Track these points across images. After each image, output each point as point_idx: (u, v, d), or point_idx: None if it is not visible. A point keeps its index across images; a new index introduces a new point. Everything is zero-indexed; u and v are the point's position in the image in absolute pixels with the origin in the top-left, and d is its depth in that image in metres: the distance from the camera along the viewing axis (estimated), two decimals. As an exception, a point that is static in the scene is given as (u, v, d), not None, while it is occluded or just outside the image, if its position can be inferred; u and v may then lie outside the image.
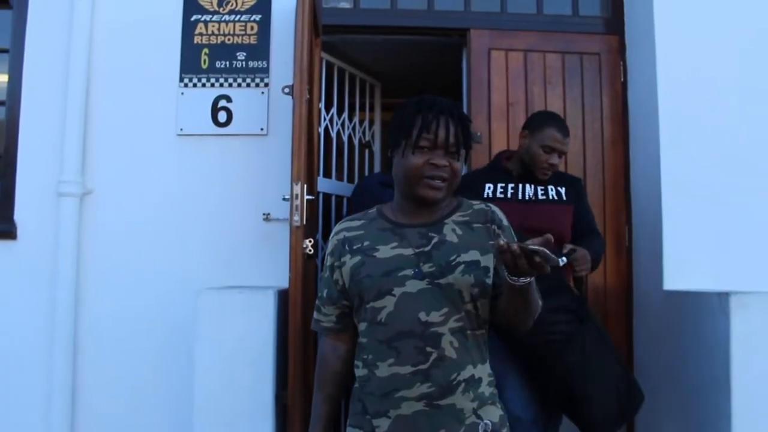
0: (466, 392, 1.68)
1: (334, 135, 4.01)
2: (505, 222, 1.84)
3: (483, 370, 1.74)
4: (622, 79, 3.66)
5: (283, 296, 2.72)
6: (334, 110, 4.01)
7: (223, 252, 3.19)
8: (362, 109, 4.40)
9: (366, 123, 4.43)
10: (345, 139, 4.14)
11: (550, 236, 1.50)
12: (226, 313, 2.67)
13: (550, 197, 2.81)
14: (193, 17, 3.31)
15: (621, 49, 3.68)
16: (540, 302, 1.72)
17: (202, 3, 3.31)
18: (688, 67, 3.34)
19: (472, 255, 1.71)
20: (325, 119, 3.93)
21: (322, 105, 3.82)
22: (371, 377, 1.71)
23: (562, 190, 2.85)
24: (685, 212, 3.22)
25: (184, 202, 3.22)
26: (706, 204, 3.24)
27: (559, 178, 2.90)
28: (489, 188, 2.82)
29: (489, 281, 1.73)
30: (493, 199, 2.73)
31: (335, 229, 1.87)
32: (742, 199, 3.27)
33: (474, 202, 1.86)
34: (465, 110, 3.59)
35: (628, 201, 3.58)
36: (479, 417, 1.70)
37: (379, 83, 4.59)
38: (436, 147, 1.69)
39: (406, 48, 4.16)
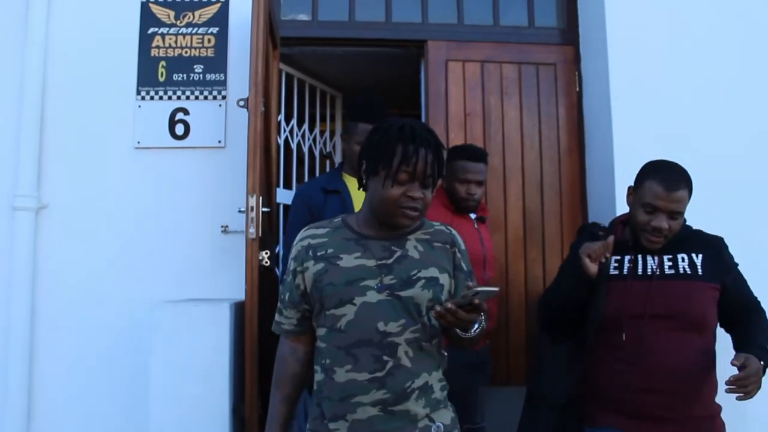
0: (419, 398, 1.75)
1: (294, 146, 4.04)
2: (463, 246, 1.93)
3: (435, 377, 1.81)
4: (577, 89, 3.72)
5: (239, 308, 2.73)
6: (294, 122, 4.03)
7: (182, 265, 3.18)
8: (323, 119, 4.43)
9: (327, 134, 4.46)
10: (305, 150, 4.17)
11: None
12: (182, 327, 2.68)
13: (680, 270, 2.22)
14: (150, 30, 3.30)
15: (576, 59, 3.75)
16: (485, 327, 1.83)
17: (159, 16, 3.31)
18: (640, 75, 3.41)
19: (432, 272, 1.79)
20: (285, 131, 3.96)
21: (281, 117, 3.84)
22: (328, 382, 1.76)
23: (698, 260, 2.24)
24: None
25: (141, 215, 3.20)
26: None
27: (693, 241, 2.29)
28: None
29: (443, 297, 1.80)
30: (609, 278, 2.24)
31: (299, 235, 1.91)
32: (695, 204, 3.34)
33: (435, 223, 1.95)
34: (423, 120, 3.63)
35: (584, 207, 3.65)
36: (432, 420, 1.78)
37: (339, 94, 4.63)
38: (414, 179, 1.75)
39: (366, 59, 4.19)
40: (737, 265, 2.32)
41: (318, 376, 1.82)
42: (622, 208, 3.26)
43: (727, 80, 3.47)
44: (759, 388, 1.94)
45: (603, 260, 2.14)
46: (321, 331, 1.82)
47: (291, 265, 1.88)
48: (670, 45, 3.46)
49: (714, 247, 2.27)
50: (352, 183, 2.70)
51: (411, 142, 1.75)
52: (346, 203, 2.72)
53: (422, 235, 1.88)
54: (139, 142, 3.23)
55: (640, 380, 2.10)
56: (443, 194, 2.99)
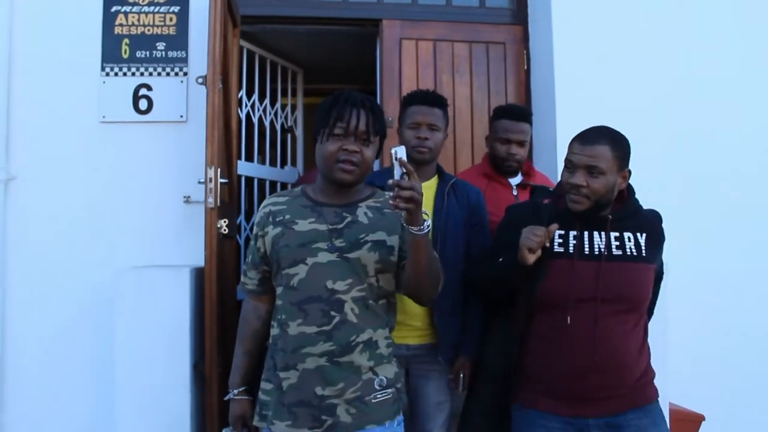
0: (363, 352, 1.94)
1: (255, 120, 4.18)
2: None
3: (381, 335, 2.00)
4: (525, 67, 3.92)
5: (200, 273, 2.90)
6: (255, 97, 4.17)
7: (147, 233, 3.32)
8: (285, 94, 4.57)
9: (288, 108, 4.60)
10: (267, 124, 4.32)
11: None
12: (145, 291, 2.85)
13: (628, 251, 2.14)
14: (114, 8, 3.42)
15: (525, 38, 3.94)
16: (441, 274, 1.99)
17: (122, -6, 3.43)
18: (583, 54, 3.63)
19: (380, 235, 1.98)
20: (246, 105, 4.10)
21: (243, 92, 3.98)
22: (283, 335, 1.96)
23: (642, 239, 2.17)
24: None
25: (107, 187, 3.33)
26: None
27: (636, 219, 2.22)
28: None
29: (393, 258, 1.98)
30: (551, 255, 2.13)
31: (264, 203, 2.12)
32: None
33: (387, 192, 2.09)
34: (378, 96, 3.80)
35: (531, 181, 3.85)
36: (375, 373, 1.97)
37: (301, 70, 4.77)
38: (348, 134, 1.94)
39: (325, 36, 4.33)
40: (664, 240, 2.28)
41: (274, 331, 2.00)
42: (564, 179, 3.50)
43: (672, 58, 3.70)
44: None
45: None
46: (279, 290, 2.01)
47: (254, 229, 2.08)
48: (612, 24, 3.68)
49: (653, 225, 2.21)
50: None
51: (345, 103, 1.95)
52: None
53: (373, 203, 2.06)
54: (104, 117, 3.36)
55: (583, 363, 2.05)
56: (485, 160, 3.03)
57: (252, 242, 2.09)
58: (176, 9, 3.43)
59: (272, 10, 3.80)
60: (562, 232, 2.13)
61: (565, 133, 3.51)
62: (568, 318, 2.05)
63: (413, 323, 2.53)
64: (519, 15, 3.97)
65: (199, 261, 2.96)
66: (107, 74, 3.38)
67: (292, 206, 2.04)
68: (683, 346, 2.99)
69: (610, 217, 2.13)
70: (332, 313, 1.91)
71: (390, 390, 1.99)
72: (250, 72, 4.12)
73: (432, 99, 2.66)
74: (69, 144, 3.35)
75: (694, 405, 3.14)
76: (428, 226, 1.81)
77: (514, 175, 2.98)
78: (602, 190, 2.05)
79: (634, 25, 3.69)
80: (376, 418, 1.95)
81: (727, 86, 3.78)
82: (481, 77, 3.87)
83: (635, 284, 2.10)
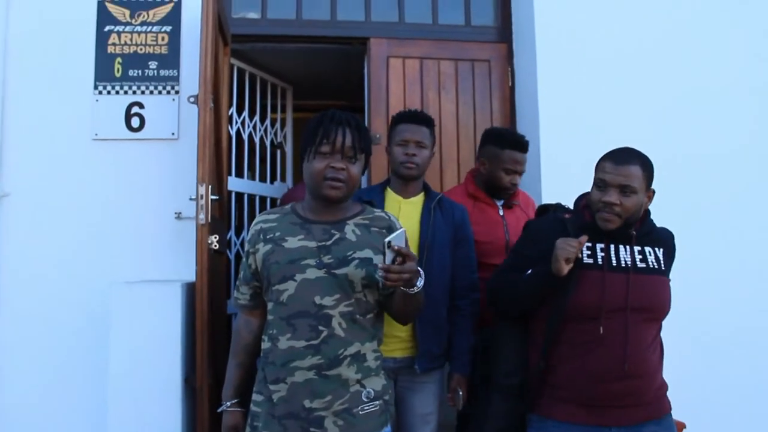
0: (351, 365, 2.00)
1: (246, 137, 4.26)
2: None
3: (369, 348, 2.06)
4: (510, 83, 4.01)
5: (191, 288, 2.97)
6: (245, 113, 4.25)
7: (139, 249, 3.37)
8: (274, 111, 4.66)
9: (278, 124, 4.68)
10: (257, 140, 4.39)
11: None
12: (138, 305, 2.91)
13: (650, 264, 2.23)
14: (107, 28, 3.49)
15: (509, 55, 4.04)
16: (423, 304, 2.10)
17: (114, 14, 3.49)
18: (565, 71, 3.73)
19: (366, 253, 2.04)
20: (236, 122, 4.17)
21: (233, 109, 4.06)
22: (273, 349, 2.02)
23: (660, 254, 2.27)
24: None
25: (100, 203, 3.39)
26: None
27: (654, 235, 2.31)
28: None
29: (378, 276, 2.03)
30: (579, 266, 2.16)
31: (255, 220, 2.18)
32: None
33: (376, 210, 2.21)
34: (366, 113, 3.89)
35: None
36: (363, 386, 2.02)
37: (290, 86, 4.86)
38: (335, 152, 2.01)
39: (314, 54, 4.43)
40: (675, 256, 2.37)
41: (265, 345, 2.06)
42: (547, 193, 3.58)
43: (650, 76, 3.79)
44: None
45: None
46: (269, 305, 2.07)
47: (246, 246, 2.15)
48: (595, 42, 3.78)
49: (667, 242, 2.31)
50: (390, 197, 2.75)
51: (331, 121, 2.02)
52: None
53: (361, 221, 2.13)
54: (96, 134, 3.42)
55: (614, 370, 2.09)
56: (471, 181, 3.06)
57: (244, 259, 2.15)
58: (168, 29, 3.51)
59: (262, 29, 3.89)
60: (589, 244, 2.18)
61: (548, 148, 3.63)
62: (601, 328, 2.10)
63: (398, 335, 2.59)
64: (504, 33, 4.07)
65: (191, 276, 3.02)
66: (100, 92, 3.45)
67: (282, 223, 2.11)
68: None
69: (635, 233, 2.20)
70: (320, 327, 1.97)
71: (377, 402, 2.05)
72: (241, 89, 4.20)
73: (420, 118, 2.75)
74: (62, 161, 3.41)
75: (675, 413, 3.20)
76: (420, 285, 1.94)
77: (505, 197, 3.04)
78: (633, 209, 2.12)
79: (616, 42, 3.79)
80: (364, 430, 2.01)
81: (712, 101, 3.86)
82: (467, 94, 3.96)
83: (660, 295, 2.18)
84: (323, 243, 2.04)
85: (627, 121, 3.71)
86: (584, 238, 2.09)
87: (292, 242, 2.05)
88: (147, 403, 2.86)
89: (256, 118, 4.38)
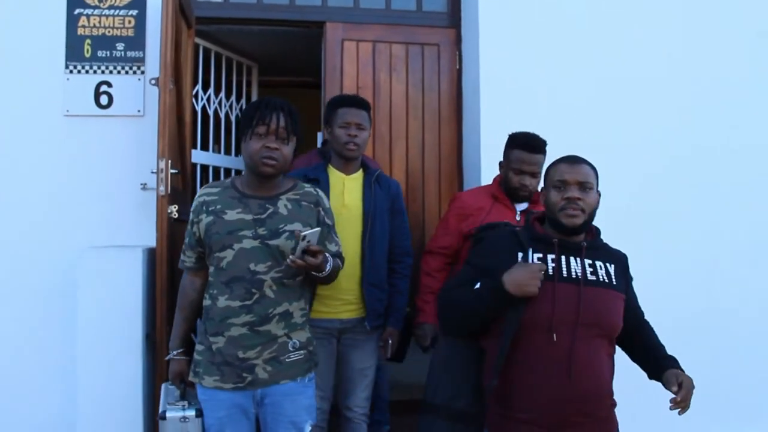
0: (279, 322, 2.34)
1: (211, 113, 4.53)
2: (327, 205, 2.53)
3: (296, 306, 2.40)
4: (458, 67, 4.28)
5: (152, 253, 3.27)
6: (211, 91, 4.52)
7: (107, 217, 3.62)
8: (240, 87, 4.92)
9: (243, 100, 4.95)
10: (222, 116, 4.66)
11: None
12: (103, 268, 3.21)
13: (601, 278, 2.19)
14: (77, 11, 3.72)
15: (458, 40, 4.29)
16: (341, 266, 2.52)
17: (84, -2, 3.74)
18: (507, 56, 3.96)
19: (296, 226, 2.36)
20: (202, 99, 4.44)
21: (199, 87, 4.33)
22: (213, 307, 2.35)
23: (611, 269, 2.24)
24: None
25: (71, 175, 3.63)
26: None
27: (605, 251, 2.30)
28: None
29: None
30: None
31: (199, 192, 2.48)
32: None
33: (306, 185, 2.52)
34: (322, 91, 4.15)
35: (461, 170, 4.23)
36: (289, 338, 2.37)
37: (255, 64, 5.10)
38: (269, 134, 2.31)
39: (276, 35, 4.68)
40: (632, 279, 2.35)
41: (206, 302, 2.40)
42: (486, 171, 3.83)
43: (591, 58, 4.04)
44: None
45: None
46: (211, 269, 2.41)
47: (191, 216, 2.44)
48: (537, 29, 4.01)
49: (620, 260, 2.29)
50: (334, 174, 3.01)
51: (266, 107, 2.33)
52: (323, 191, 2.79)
53: (292, 196, 2.45)
54: (68, 111, 3.67)
55: (566, 388, 2.05)
56: (495, 182, 3.18)
57: (189, 227, 2.46)
58: (134, 12, 3.75)
59: (226, 12, 4.13)
60: (540, 255, 2.16)
61: (488, 127, 3.87)
62: (554, 335, 2.06)
63: (345, 297, 2.93)
64: (453, 19, 4.32)
65: (154, 242, 3.27)
66: (71, 72, 3.70)
67: (222, 197, 2.41)
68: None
69: (585, 244, 2.19)
70: (253, 290, 2.30)
71: (302, 351, 2.40)
72: (206, 67, 4.45)
73: (360, 102, 3.05)
74: (35, 135, 3.63)
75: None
76: (328, 270, 2.35)
77: (523, 201, 3.10)
78: (593, 204, 2.17)
79: (556, 28, 4.03)
80: (290, 375, 2.37)
81: (654, 84, 4.08)
82: (416, 75, 4.23)
83: (610, 310, 2.15)
84: (258, 216, 2.35)
85: (565, 104, 3.96)
86: (543, 266, 2.08)
87: (231, 215, 2.35)
88: (113, 357, 3.17)
89: (221, 94, 4.64)
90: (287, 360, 2.36)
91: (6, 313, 3.54)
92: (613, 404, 2.21)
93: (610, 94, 4.05)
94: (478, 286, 2.17)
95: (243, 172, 2.50)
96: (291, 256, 2.21)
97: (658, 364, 2.25)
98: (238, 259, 2.31)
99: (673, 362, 2.23)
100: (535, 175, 3.00)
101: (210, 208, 2.38)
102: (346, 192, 3.00)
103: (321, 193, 2.54)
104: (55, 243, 3.57)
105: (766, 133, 4.20)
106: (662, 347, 2.33)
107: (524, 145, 3.01)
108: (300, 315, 2.42)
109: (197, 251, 2.45)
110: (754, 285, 4.12)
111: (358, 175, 3.08)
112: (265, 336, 2.32)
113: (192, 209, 2.45)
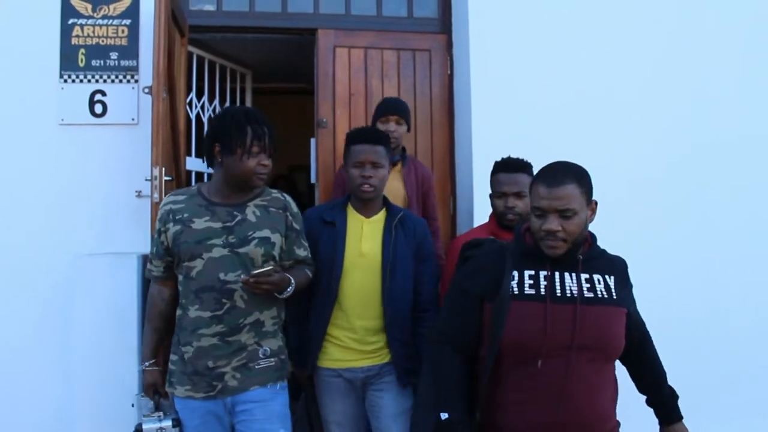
0: (250, 331, 2.37)
1: (205, 120, 4.56)
2: (295, 210, 2.54)
3: (267, 315, 2.42)
4: (449, 72, 4.32)
5: (146, 260, 3.29)
6: (205, 98, 4.56)
7: (102, 224, 3.66)
8: (234, 94, 4.96)
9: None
10: (216, 123, 4.69)
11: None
12: (100, 274, 3.24)
13: (599, 293, 2.02)
14: (70, 21, 3.77)
15: (449, 45, 4.34)
16: (310, 275, 2.56)
17: (77, 8, 3.77)
18: (495, 61, 4.02)
19: (265, 232, 2.40)
20: (196, 107, 4.48)
21: (193, 94, 4.37)
22: (184, 316, 2.37)
23: (611, 282, 2.06)
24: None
25: (67, 183, 3.66)
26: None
27: (603, 261, 2.14)
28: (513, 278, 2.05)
29: (276, 252, 2.41)
30: (520, 297, 2.00)
31: (164, 201, 2.49)
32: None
33: (273, 191, 2.54)
34: (315, 97, 4.19)
35: (453, 174, 4.27)
36: (260, 345, 2.39)
37: (249, 71, 5.14)
38: (262, 152, 2.35)
39: (269, 43, 4.72)
40: (632, 287, 2.19)
41: (178, 312, 2.42)
42: (478, 177, 3.88)
43: (580, 71, 4.09)
44: None
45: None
46: (180, 278, 2.42)
47: (157, 225, 2.45)
48: (527, 34, 4.07)
49: (620, 269, 2.12)
50: (352, 216, 2.81)
51: (256, 123, 2.36)
52: (338, 237, 2.74)
53: (260, 202, 2.47)
54: (62, 119, 3.71)
55: (557, 414, 1.91)
56: (491, 218, 3.05)
57: (156, 236, 2.47)
58: (128, 22, 3.79)
59: (219, 21, 4.17)
60: (532, 272, 2.01)
61: (480, 131, 3.93)
62: (540, 363, 1.93)
63: (366, 348, 2.74)
64: (444, 24, 4.37)
65: (148, 249, 3.33)
66: (65, 81, 3.74)
67: (188, 205, 2.42)
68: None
69: (581, 257, 2.03)
70: (223, 300, 2.32)
71: (273, 359, 2.42)
72: (200, 75, 4.49)
73: (375, 137, 2.80)
74: (31, 144, 3.67)
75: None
76: (291, 291, 2.37)
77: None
78: (577, 231, 1.97)
79: (547, 32, 4.08)
80: (259, 381, 2.38)
81: (647, 88, 4.13)
82: (408, 81, 4.27)
83: (607, 330, 1.98)
84: (227, 224, 2.37)
85: (557, 108, 4.02)
86: None
87: (199, 223, 2.36)
88: (108, 362, 3.19)
89: (216, 102, 4.68)
90: (257, 367, 2.38)
91: (2, 320, 3.57)
92: (614, 427, 2.08)
93: (602, 98, 4.10)
94: (444, 415, 1.99)
95: (213, 179, 2.49)
96: (243, 275, 2.24)
97: (661, 401, 2.23)
98: (208, 268, 2.33)
99: (674, 405, 2.21)
100: (519, 195, 2.85)
101: (177, 217, 2.39)
102: (363, 238, 2.77)
103: (288, 198, 2.56)
104: (50, 251, 3.60)
105: (766, 133, 4.26)
106: (663, 375, 2.24)
107: (502, 167, 2.94)
108: (271, 324, 2.44)
109: (165, 260, 2.46)
110: (755, 285, 4.18)
111: (379, 217, 2.84)
112: (235, 345, 2.35)
113: (158, 218, 2.45)
